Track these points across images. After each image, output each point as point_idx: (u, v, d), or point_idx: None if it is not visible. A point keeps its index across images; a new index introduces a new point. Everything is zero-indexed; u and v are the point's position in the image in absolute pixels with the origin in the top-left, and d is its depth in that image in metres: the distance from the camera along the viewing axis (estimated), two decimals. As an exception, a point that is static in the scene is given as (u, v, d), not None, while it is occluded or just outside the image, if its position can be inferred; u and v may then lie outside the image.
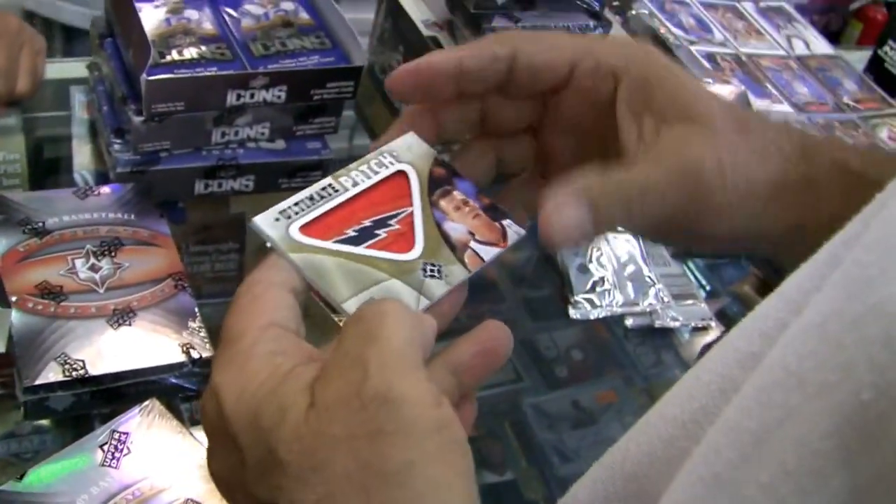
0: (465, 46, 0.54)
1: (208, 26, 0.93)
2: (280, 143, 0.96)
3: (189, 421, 0.77)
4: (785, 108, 1.31)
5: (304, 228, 0.48)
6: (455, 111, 0.56)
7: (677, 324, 1.02)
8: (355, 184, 0.51)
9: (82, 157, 0.97)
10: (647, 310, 1.02)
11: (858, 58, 1.55)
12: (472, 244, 0.51)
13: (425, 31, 1.04)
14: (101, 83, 0.97)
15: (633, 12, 1.39)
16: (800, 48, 1.45)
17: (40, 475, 0.65)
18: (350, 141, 1.15)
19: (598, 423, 0.96)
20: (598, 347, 1.03)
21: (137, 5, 0.90)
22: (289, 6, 0.98)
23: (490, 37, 0.55)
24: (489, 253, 0.51)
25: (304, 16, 0.97)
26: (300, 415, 0.40)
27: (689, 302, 1.05)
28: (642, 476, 0.45)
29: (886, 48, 1.48)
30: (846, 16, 2.55)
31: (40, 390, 0.70)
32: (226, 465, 0.44)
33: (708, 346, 1.04)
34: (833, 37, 2.39)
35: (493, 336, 0.47)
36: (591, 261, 1.03)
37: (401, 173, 0.53)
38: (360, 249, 0.49)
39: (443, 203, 0.53)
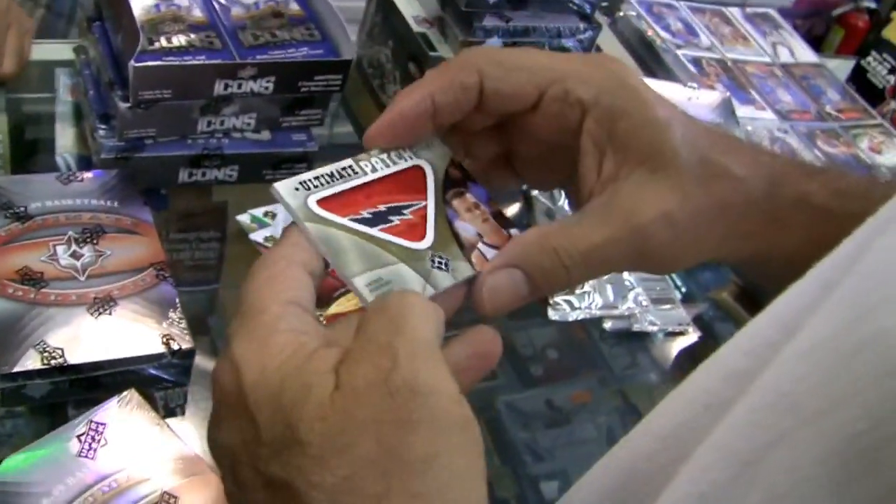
0: (430, 79, 0.53)
1: (198, 14, 0.92)
2: (266, 134, 0.95)
3: (164, 410, 0.77)
4: (768, 115, 1.31)
5: (322, 202, 0.49)
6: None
7: (655, 328, 1.03)
8: (374, 170, 0.52)
9: (65, 140, 0.96)
10: (626, 313, 1.03)
11: (842, 66, 1.56)
12: (480, 245, 0.52)
13: (416, 27, 1.04)
14: (87, 67, 0.96)
15: (622, 14, 1.39)
16: (785, 56, 1.46)
17: (15, 464, 0.65)
18: (330, 129, 1.15)
19: (572, 422, 0.96)
20: (574, 348, 1.03)
21: (127, -10, 0.89)
22: (279, -4, 0.98)
23: (454, 63, 0.54)
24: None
25: (294, 6, 0.97)
26: (325, 396, 0.40)
27: (668, 306, 1.05)
28: (623, 490, 0.45)
29: (870, 58, 1.49)
30: (829, 21, 2.56)
31: (18, 377, 0.70)
32: (236, 438, 0.43)
33: (683, 353, 1.05)
34: (816, 42, 2.40)
35: (486, 339, 0.48)
36: (571, 263, 1.04)
37: (418, 168, 0.54)
38: (373, 231, 0.49)
39: (455, 203, 0.54)
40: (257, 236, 0.93)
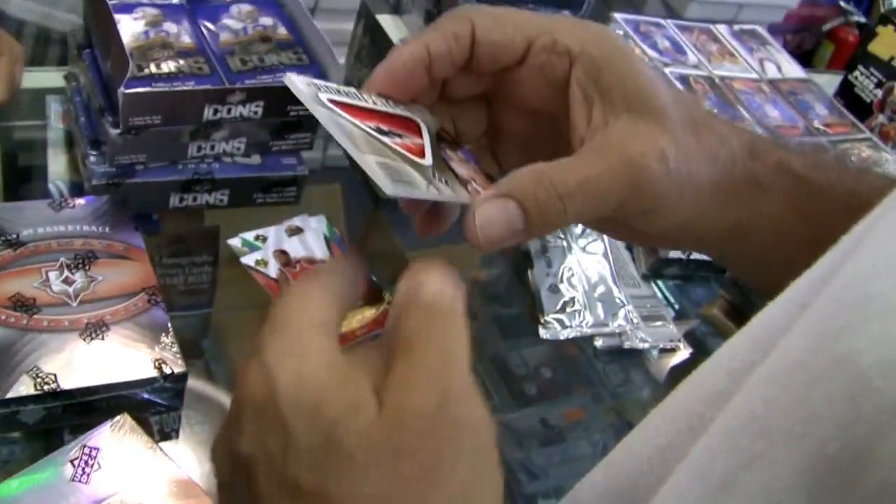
0: (424, 34, 0.54)
1: (187, 40, 0.93)
2: (255, 158, 0.96)
3: (158, 434, 0.77)
4: (756, 131, 1.32)
5: (332, 101, 0.48)
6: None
7: (646, 345, 1.03)
8: (374, 104, 0.52)
9: (57, 166, 0.97)
10: (617, 331, 1.03)
11: (830, 82, 1.56)
12: (474, 184, 0.52)
13: (403, 50, 1.05)
14: (78, 93, 0.97)
15: (609, 32, 1.39)
16: (772, 71, 1.46)
17: (9, 490, 0.65)
18: (324, 151, 1.15)
19: (566, 440, 0.96)
20: (568, 366, 1.04)
21: (116, 17, 0.90)
22: (267, 21, 0.98)
23: (446, 16, 0.55)
24: None
25: (282, 31, 0.98)
26: (373, 414, 0.41)
27: (658, 323, 1.06)
28: None
29: (857, 73, 1.50)
30: (819, 36, 2.57)
31: (11, 404, 0.70)
32: (257, 442, 0.43)
33: (676, 369, 1.05)
34: (806, 57, 2.41)
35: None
36: (561, 281, 1.04)
37: (412, 120, 0.53)
38: (380, 136, 0.49)
39: (448, 152, 0.54)
40: (248, 260, 0.93)
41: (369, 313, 0.89)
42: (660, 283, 1.13)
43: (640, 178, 0.51)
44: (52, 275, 0.79)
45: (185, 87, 0.87)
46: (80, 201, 0.87)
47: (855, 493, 0.30)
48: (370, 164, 0.46)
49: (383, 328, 0.46)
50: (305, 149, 0.98)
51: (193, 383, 0.79)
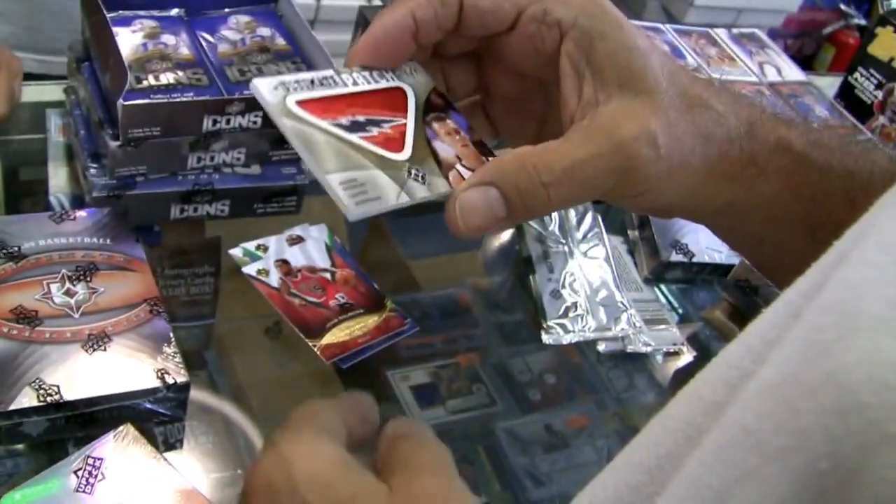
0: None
1: (185, 51, 0.93)
2: (255, 169, 0.96)
3: (163, 445, 0.77)
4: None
5: (301, 104, 0.48)
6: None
7: (649, 349, 1.03)
8: (355, 83, 0.51)
9: (58, 180, 0.97)
10: (620, 335, 1.03)
11: (830, 84, 1.56)
12: (458, 167, 0.52)
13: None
14: (77, 107, 0.97)
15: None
16: (772, 74, 1.46)
17: (14, 501, 0.65)
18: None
19: (571, 446, 0.96)
20: (571, 371, 1.04)
21: (114, 29, 0.90)
22: (265, 32, 0.99)
23: None
24: None
25: (280, 41, 0.98)
26: (387, 493, 0.50)
27: (661, 327, 1.06)
28: None
29: (857, 74, 1.50)
30: (819, 40, 2.58)
31: (14, 416, 0.70)
32: None
33: (680, 372, 1.05)
34: (806, 61, 2.41)
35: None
36: (563, 286, 1.04)
37: (399, 89, 0.53)
38: (351, 136, 0.48)
39: (436, 125, 0.53)
40: (250, 269, 0.94)
41: (371, 321, 0.89)
42: (662, 286, 1.13)
43: (630, 164, 0.50)
44: (54, 287, 0.79)
45: (184, 99, 0.87)
46: (81, 213, 0.87)
47: None
48: (333, 185, 0.46)
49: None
50: (305, 158, 0.98)
51: (197, 394, 0.79)
